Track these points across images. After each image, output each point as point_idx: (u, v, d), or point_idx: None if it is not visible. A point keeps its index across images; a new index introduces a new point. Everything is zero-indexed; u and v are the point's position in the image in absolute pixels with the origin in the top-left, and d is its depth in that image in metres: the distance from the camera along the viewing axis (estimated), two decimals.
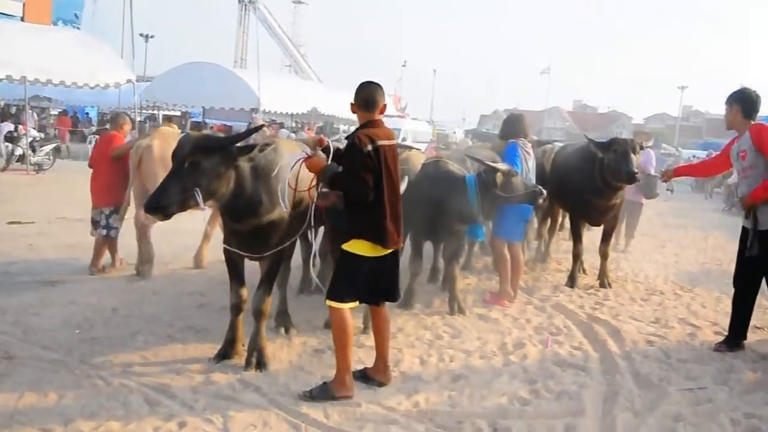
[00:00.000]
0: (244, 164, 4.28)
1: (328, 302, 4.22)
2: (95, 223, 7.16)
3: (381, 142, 4.14)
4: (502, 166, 6.02)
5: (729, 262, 9.41)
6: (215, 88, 24.99)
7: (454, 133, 33.09)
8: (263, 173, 4.43)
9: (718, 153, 6.23)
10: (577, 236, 7.84)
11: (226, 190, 4.22)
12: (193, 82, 24.89)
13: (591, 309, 6.71)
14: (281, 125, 28.49)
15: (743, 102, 5.52)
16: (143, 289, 6.57)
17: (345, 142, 4.49)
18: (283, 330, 5.47)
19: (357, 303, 4.29)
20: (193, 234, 7.82)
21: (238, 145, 4.21)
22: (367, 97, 4.28)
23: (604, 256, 7.79)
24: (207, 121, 30.75)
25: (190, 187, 4.00)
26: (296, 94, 28.23)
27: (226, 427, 3.76)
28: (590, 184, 7.31)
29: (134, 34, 24.21)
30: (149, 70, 21.38)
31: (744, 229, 5.46)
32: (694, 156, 36.85)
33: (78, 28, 34.24)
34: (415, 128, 35.97)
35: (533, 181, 6.64)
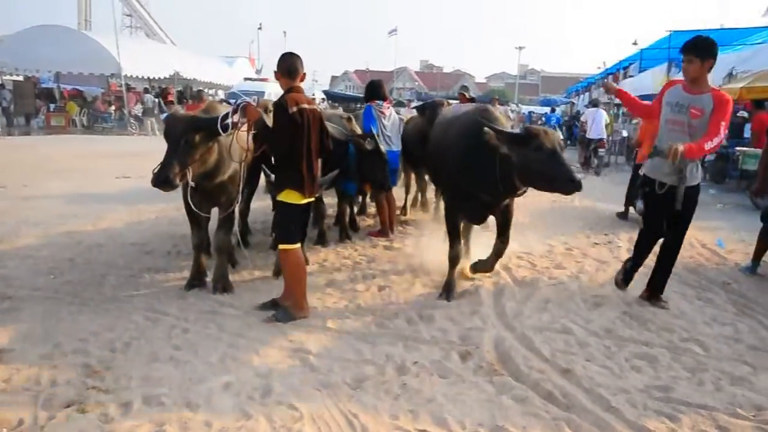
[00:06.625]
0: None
1: (284, 246, 5.02)
2: None
3: (304, 106, 4.97)
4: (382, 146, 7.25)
5: (574, 199, 11.38)
6: (69, 52, 24.36)
7: (313, 95, 33.96)
8: (225, 140, 5.18)
9: (654, 101, 5.61)
10: None
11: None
12: (45, 46, 24.12)
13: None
14: (146, 90, 28.08)
15: (714, 56, 5.14)
16: (86, 243, 7.24)
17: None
18: (230, 265, 6.44)
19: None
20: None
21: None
22: (290, 67, 5.07)
23: None
24: (61, 86, 29.55)
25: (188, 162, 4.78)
26: (157, 59, 27.86)
27: (222, 328, 4.79)
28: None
29: None
30: None
31: (646, 177, 5.45)
32: (531, 112, 40.40)
33: None
34: (278, 91, 36.38)
35: (392, 138, 7.87)
